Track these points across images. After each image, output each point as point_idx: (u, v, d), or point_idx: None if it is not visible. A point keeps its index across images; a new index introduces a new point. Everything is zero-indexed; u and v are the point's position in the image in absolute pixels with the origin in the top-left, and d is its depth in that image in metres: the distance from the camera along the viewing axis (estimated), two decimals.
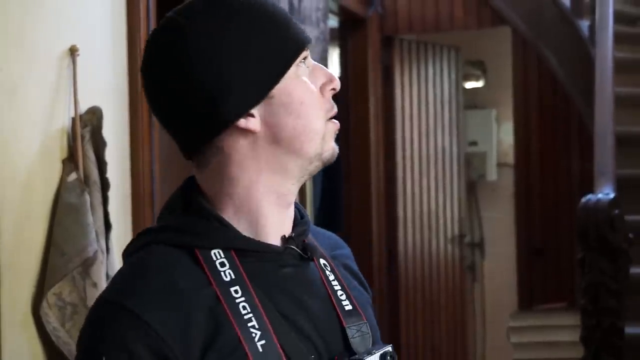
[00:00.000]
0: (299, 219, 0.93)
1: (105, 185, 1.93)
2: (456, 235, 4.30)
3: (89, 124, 1.93)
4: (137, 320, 0.80)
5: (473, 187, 4.73)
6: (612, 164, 2.71)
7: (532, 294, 3.79)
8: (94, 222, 1.86)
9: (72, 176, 1.86)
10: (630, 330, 2.48)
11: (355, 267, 1.01)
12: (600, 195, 2.44)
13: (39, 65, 1.83)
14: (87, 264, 1.82)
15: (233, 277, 0.85)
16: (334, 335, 0.89)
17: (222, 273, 0.84)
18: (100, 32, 2.08)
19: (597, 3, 3.39)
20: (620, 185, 2.72)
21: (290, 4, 2.91)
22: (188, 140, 0.89)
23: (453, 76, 4.33)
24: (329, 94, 0.89)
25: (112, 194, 1.94)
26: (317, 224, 4.54)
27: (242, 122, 0.86)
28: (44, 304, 1.77)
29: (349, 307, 0.91)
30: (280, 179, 0.88)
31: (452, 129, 4.30)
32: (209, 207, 0.88)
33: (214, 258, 0.85)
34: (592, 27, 3.56)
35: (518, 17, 3.84)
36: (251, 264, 0.86)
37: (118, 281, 0.87)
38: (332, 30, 3.68)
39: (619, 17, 3.57)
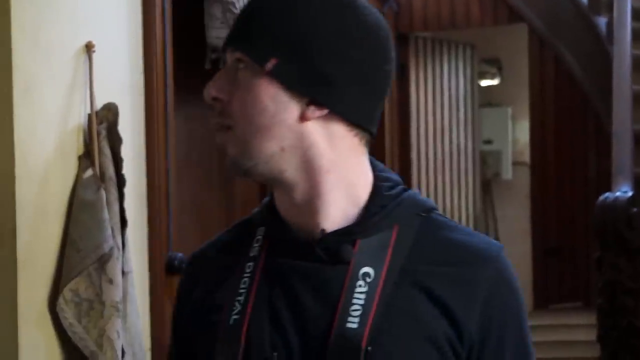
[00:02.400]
0: (366, 217, 0.87)
1: (121, 181, 1.93)
2: None
3: (104, 121, 1.93)
4: (188, 264, 0.99)
5: (488, 185, 4.71)
6: (630, 163, 2.69)
7: (548, 293, 3.77)
8: (109, 218, 1.86)
9: (88, 172, 1.87)
10: None
11: (455, 296, 0.84)
12: (618, 194, 2.42)
13: (55, 62, 1.83)
14: (103, 260, 1.82)
15: (255, 254, 0.90)
16: (318, 343, 0.84)
17: (252, 248, 0.91)
18: (116, 28, 2.08)
19: (615, 0, 3.36)
20: (638, 183, 2.70)
21: None
22: None
23: (468, 74, 4.32)
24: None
25: (127, 190, 1.95)
26: None
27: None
28: (61, 300, 1.78)
29: (352, 325, 0.83)
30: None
31: (467, 127, 4.28)
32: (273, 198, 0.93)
33: (256, 234, 0.92)
34: (609, 25, 3.53)
35: (534, 14, 3.81)
36: (275, 248, 0.90)
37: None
38: None
39: (636, 15, 3.54)
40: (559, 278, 3.75)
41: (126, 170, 1.95)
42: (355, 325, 0.83)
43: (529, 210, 3.94)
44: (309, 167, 0.87)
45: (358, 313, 0.83)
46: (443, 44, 4.18)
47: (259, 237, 0.91)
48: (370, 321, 0.83)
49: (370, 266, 0.85)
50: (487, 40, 4.50)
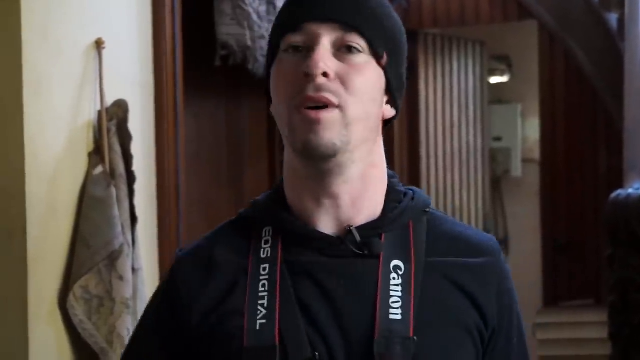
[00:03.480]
0: (387, 212, 0.88)
1: (131, 178, 1.93)
2: None
3: (115, 117, 1.93)
4: (171, 274, 0.92)
5: (498, 183, 4.69)
6: None
7: (558, 290, 3.75)
8: (120, 215, 1.86)
9: (99, 169, 1.87)
10: None
11: (476, 285, 0.88)
12: (630, 190, 2.41)
13: (65, 58, 1.83)
14: (113, 257, 1.82)
15: (268, 255, 0.87)
16: (360, 337, 0.84)
17: (262, 250, 0.88)
18: (125, 25, 2.08)
19: None
20: None
21: None
22: None
23: (478, 71, 4.30)
24: (301, 80, 0.84)
25: (138, 187, 1.95)
26: None
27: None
28: (71, 296, 1.78)
29: (395, 317, 0.84)
30: (301, 169, 0.87)
31: (477, 124, 4.27)
32: (279, 192, 0.90)
33: (262, 235, 0.89)
34: (621, 21, 3.51)
35: (544, 11, 3.79)
36: (293, 247, 0.87)
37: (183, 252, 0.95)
38: None
39: None
40: (569, 275, 3.73)
41: (136, 167, 1.96)
42: (399, 317, 0.84)
43: (538, 207, 3.92)
44: (368, 162, 0.88)
45: (398, 305, 0.85)
46: (452, 41, 4.16)
47: (267, 237, 0.88)
48: (412, 312, 0.85)
49: (399, 259, 0.87)
50: (496, 37, 4.49)
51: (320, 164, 0.85)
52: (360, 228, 0.87)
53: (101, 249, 1.82)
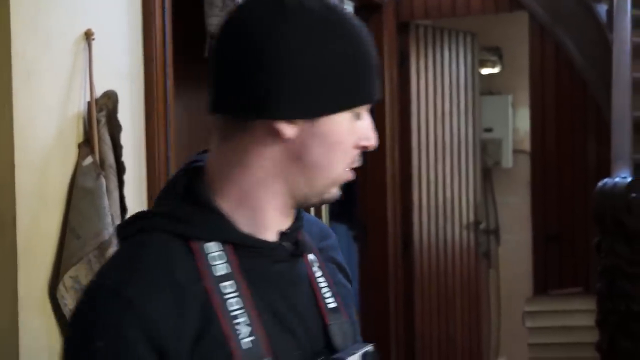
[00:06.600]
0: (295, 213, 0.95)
1: (120, 169, 1.94)
2: (471, 222, 4.28)
3: (104, 108, 1.93)
4: (134, 309, 0.81)
5: (488, 173, 4.71)
6: (629, 149, 2.69)
7: (547, 279, 3.77)
8: (109, 205, 1.86)
9: (88, 160, 1.87)
10: None
11: (340, 258, 1.02)
12: (617, 179, 2.43)
13: (55, 49, 1.83)
14: (103, 248, 1.83)
15: (226, 272, 0.85)
16: (316, 332, 0.90)
17: (215, 267, 0.85)
18: (115, 16, 2.09)
19: None
20: (637, 169, 2.71)
21: None
22: (236, 101, 0.87)
23: (469, 62, 4.30)
24: (361, 150, 0.92)
25: (127, 177, 1.95)
26: (332, 212, 4.45)
27: (283, 124, 0.86)
28: (61, 286, 1.79)
29: (332, 305, 0.92)
30: (286, 192, 0.89)
31: (468, 115, 4.28)
32: (209, 197, 0.88)
33: (208, 251, 0.86)
34: (610, 12, 3.52)
35: (535, 2, 3.80)
36: (245, 258, 0.87)
37: (115, 267, 0.86)
38: None
39: (637, 2, 3.53)
40: (559, 264, 3.76)
41: (126, 157, 1.96)
42: (334, 305, 0.93)
43: (529, 197, 3.94)
44: None
45: (329, 294, 0.94)
46: (444, 32, 4.16)
47: (215, 252, 0.85)
48: (338, 296, 0.95)
49: (310, 253, 0.95)
50: (488, 29, 4.49)
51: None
52: (290, 232, 0.92)
53: (91, 239, 1.82)
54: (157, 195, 0.92)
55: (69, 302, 1.79)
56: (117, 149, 1.94)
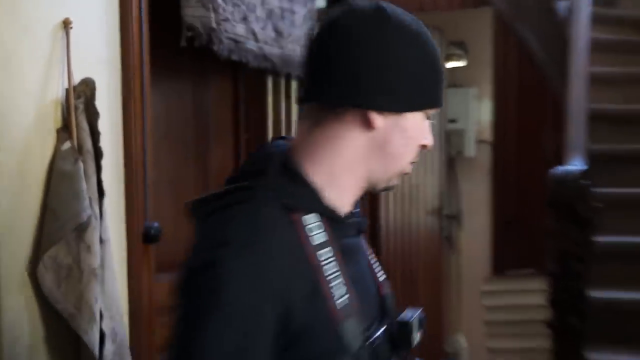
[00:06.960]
0: None
1: (98, 154, 1.96)
2: (436, 208, 4.38)
3: (82, 95, 1.96)
4: (261, 269, 0.89)
5: (452, 162, 4.81)
6: (583, 138, 2.79)
7: (505, 260, 3.90)
8: (87, 189, 1.88)
9: (66, 145, 1.89)
10: (594, 294, 2.58)
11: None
12: (569, 167, 2.52)
13: (33, 37, 1.84)
14: (81, 229, 1.85)
15: (323, 240, 0.97)
16: (375, 300, 1.07)
17: (313, 237, 0.97)
18: (93, 5, 2.10)
19: None
20: (590, 159, 2.81)
21: None
22: (336, 91, 0.99)
23: None
24: (421, 148, 1.07)
25: (105, 162, 1.97)
26: None
27: (375, 114, 1.00)
28: (41, 266, 1.81)
29: (382, 277, 1.10)
30: (365, 176, 1.03)
31: None
32: (306, 175, 1.00)
33: (307, 223, 0.97)
34: (568, 9, 3.63)
35: None
36: (337, 232, 1.01)
37: (236, 231, 0.92)
38: (318, 10, 3.73)
39: None
40: (516, 247, 3.89)
41: (103, 143, 1.98)
42: (384, 277, 1.11)
43: (489, 185, 4.05)
44: None
45: (378, 268, 1.11)
46: None
47: (314, 224, 0.97)
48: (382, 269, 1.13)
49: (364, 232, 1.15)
50: (454, 24, 4.56)
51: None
52: (354, 211, 1.07)
53: (69, 221, 1.84)
54: (240, 172, 1.00)
55: (47, 281, 1.83)
56: (94, 135, 1.96)
